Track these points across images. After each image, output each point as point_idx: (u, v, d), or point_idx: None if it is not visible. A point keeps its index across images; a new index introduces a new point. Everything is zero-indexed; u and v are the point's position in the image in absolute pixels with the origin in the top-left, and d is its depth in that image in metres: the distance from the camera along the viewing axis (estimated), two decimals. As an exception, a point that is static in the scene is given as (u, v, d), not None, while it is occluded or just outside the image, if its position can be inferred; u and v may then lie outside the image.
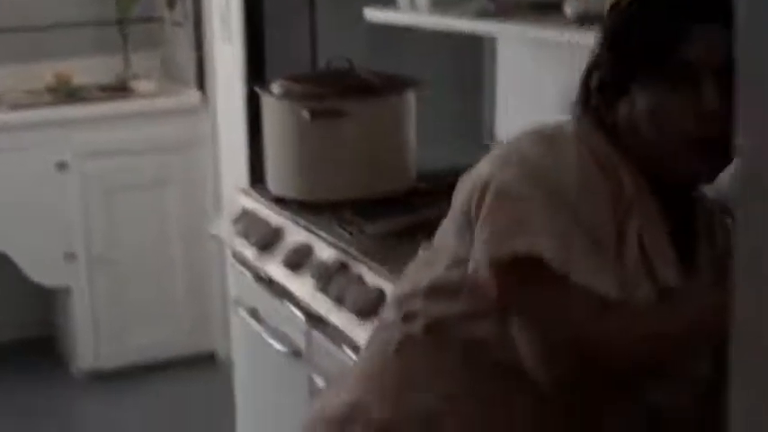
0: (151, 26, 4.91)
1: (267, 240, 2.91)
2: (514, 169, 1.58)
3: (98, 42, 4.83)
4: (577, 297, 1.54)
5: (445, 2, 2.91)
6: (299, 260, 2.75)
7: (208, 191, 4.55)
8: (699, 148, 1.58)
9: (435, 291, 1.68)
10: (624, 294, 1.57)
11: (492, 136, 3.30)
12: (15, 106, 4.44)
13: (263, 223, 2.98)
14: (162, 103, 4.59)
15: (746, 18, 0.68)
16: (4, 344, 4.79)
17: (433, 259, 1.72)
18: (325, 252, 2.68)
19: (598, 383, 1.60)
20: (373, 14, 3.21)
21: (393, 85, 3.02)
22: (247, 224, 3.04)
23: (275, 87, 3.05)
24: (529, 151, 1.61)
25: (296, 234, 2.84)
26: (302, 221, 2.85)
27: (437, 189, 3.01)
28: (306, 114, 2.91)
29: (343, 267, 2.58)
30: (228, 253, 3.33)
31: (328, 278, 2.58)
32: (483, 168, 1.64)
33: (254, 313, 3.03)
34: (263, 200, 3.08)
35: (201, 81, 4.57)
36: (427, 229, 2.66)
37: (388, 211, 2.81)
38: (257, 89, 3.13)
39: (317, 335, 2.65)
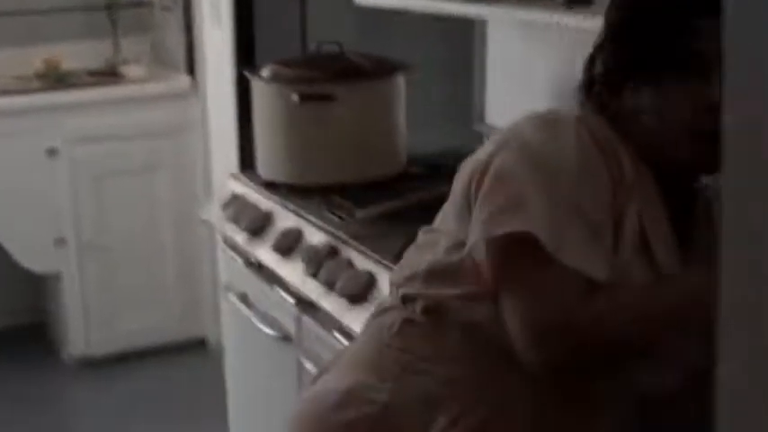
0: (140, 11, 4.89)
1: (257, 225, 2.90)
2: (515, 153, 1.60)
3: (87, 27, 4.81)
4: (569, 280, 1.54)
5: (435, -15, 2.89)
6: (288, 245, 2.74)
7: (198, 176, 4.53)
8: (701, 139, 1.58)
9: (435, 274, 1.69)
10: (617, 278, 1.57)
11: (482, 119, 3.29)
12: (4, 92, 4.42)
13: (253, 208, 2.97)
14: (152, 88, 4.58)
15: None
16: (-6, 330, 4.80)
17: (433, 242, 1.73)
18: (315, 236, 2.68)
19: (588, 367, 1.60)
20: (363, -2, 3.20)
21: (383, 69, 3.01)
22: (237, 209, 3.03)
23: (264, 71, 3.04)
24: (531, 137, 1.62)
25: (286, 219, 2.83)
26: (292, 206, 2.85)
27: (427, 173, 3.01)
28: (295, 98, 2.90)
29: (333, 252, 2.58)
30: (219, 238, 3.32)
31: (318, 263, 2.57)
32: (484, 152, 1.66)
33: (244, 298, 3.02)
34: (252, 184, 3.07)
35: (191, 66, 4.55)
36: (417, 213, 2.66)
37: (378, 196, 2.80)
38: (247, 73, 3.12)
39: (306, 320, 2.65)
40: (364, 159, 2.96)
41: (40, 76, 4.56)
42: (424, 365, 1.69)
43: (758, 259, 0.68)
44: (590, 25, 1.96)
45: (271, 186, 3.00)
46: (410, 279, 1.73)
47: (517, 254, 1.56)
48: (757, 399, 0.69)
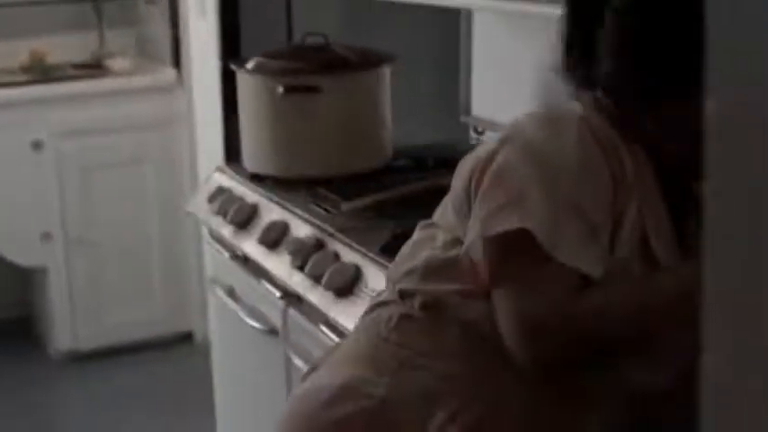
0: (126, 3, 4.87)
1: (243, 218, 2.89)
2: (516, 150, 1.61)
3: (72, 20, 4.79)
4: (564, 277, 1.55)
5: (420, -24, 2.88)
6: (275, 238, 2.73)
7: (185, 169, 4.52)
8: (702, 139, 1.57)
9: (433, 269, 1.69)
10: (615, 276, 1.58)
11: (468, 111, 3.29)
12: (-11, 85, 4.41)
13: (239, 201, 2.96)
14: (137, 81, 4.56)
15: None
16: (-20, 325, 4.78)
17: (431, 237, 1.73)
18: (301, 229, 2.67)
19: (579, 364, 1.60)
20: (348, -11, 3.19)
21: (368, 61, 3.00)
22: (223, 202, 3.02)
23: (250, 63, 3.02)
24: (532, 135, 1.63)
25: (272, 212, 2.82)
26: (278, 199, 2.84)
27: (413, 165, 3.00)
28: (280, 90, 2.89)
29: (319, 245, 2.57)
30: (205, 231, 3.31)
31: (304, 256, 2.56)
32: (485, 149, 1.66)
33: (230, 292, 3.01)
34: (238, 177, 3.06)
35: (177, 58, 4.53)
36: (404, 206, 2.66)
37: (365, 188, 2.79)
38: (232, 65, 3.11)
39: (293, 313, 2.64)
40: (350, 151, 2.95)
41: (26, 68, 4.54)
42: (422, 361, 1.68)
43: (742, 250, 0.67)
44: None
45: (257, 179, 2.99)
46: (408, 274, 1.72)
47: (513, 251, 1.57)
48: (741, 391, 0.68)
